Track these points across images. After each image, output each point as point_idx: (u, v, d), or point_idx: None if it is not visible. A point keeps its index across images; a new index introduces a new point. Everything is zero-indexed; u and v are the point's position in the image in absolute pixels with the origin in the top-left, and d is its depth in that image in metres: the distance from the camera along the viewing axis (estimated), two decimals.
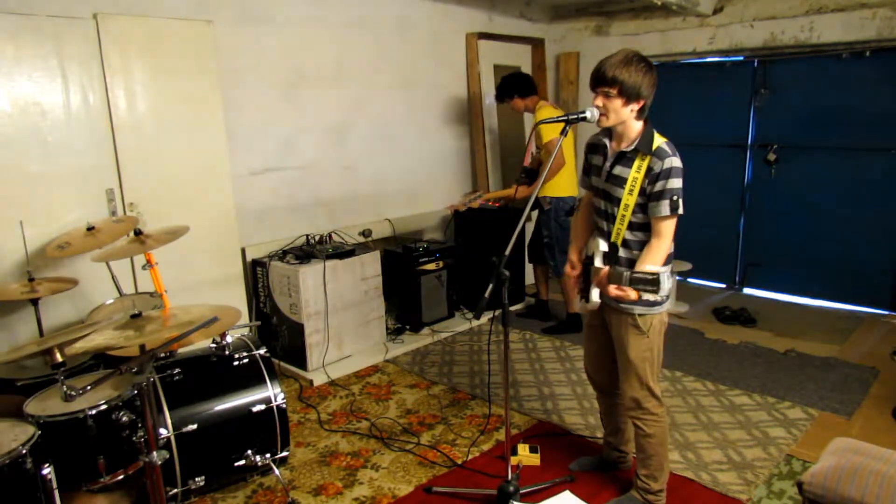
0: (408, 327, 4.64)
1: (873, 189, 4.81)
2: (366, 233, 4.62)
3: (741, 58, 5.25)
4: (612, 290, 2.15)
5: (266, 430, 2.74)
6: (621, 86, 2.19)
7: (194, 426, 2.55)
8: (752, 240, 5.50)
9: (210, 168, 3.73)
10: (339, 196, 4.63)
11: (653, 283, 2.01)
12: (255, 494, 2.77)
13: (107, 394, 2.28)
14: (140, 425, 2.15)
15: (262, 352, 2.87)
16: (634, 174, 2.25)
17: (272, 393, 2.76)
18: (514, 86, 4.50)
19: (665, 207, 2.20)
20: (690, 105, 5.60)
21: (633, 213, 2.28)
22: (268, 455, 2.74)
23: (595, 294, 2.38)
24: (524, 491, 2.63)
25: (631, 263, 2.32)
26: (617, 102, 2.22)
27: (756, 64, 5.23)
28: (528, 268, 5.20)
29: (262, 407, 2.72)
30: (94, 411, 2.20)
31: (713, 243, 5.59)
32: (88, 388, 1.91)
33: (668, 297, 2.38)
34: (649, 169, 2.23)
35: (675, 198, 2.20)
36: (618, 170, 2.31)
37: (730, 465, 2.90)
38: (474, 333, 4.67)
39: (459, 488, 2.75)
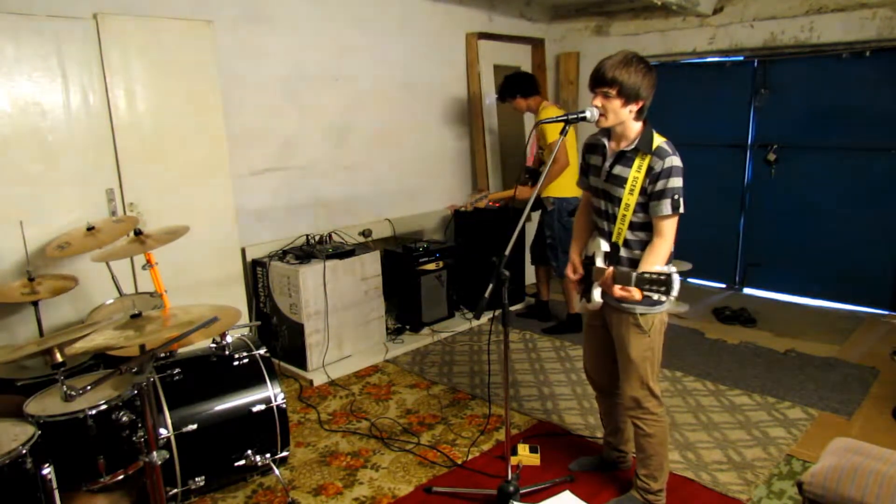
0: (408, 327, 4.64)
1: (873, 189, 4.81)
2: (366, 233, 4.62)
3: (741, 58, 5.25)
4: (617, 290, 2.15)
5: (266, 430, 2.74)
6: (621, 86, 2.19)
7: (194, 426, 2.55)
8: (752, 240, 5.50)
9: (210, 168, 3.73)
10: (339, 196, 4.63)
11: (664, 283, 1.99)
12: (255, 494, 2.77)
13: (107, 394, 2.28)
14: (140, 425, 2.15)
15: (262, 352, 2.87)
16: (635, 174, 2.25)
17: (272, 393, 2.76)
18: (516, 85, 4.49)
19: (666, 206, 2.20)
20: (690, 105, 5.59)
21: (634, 212, 2.28)
22: (268, 455, 2.74)
23: (597, 294, 2.38)
24: (524, 491, 2.63)
25: (632, 263, 2.32)
26: (616, 103, 2.22)
27: (756, 64, 5.23)
28: (529, 268, 5.20)
29: (262, 407, 2.72)
30: (94, 411, 2.20)
31: (713, 243, 5.59)
32: (88, 388, 1.91)
33: (675, 296, 2.38)
34: (650, 168, 2.23)
35: (676, 197, 2.20)
36: (618, 169, 2.31)
37: (730, 465, 2.90)
38: (474, 333, 4.67)
39: (459, 488, 2.76)
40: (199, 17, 3.64)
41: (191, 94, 3.60)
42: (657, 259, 2.23)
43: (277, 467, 2.77)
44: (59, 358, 2.32)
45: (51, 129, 3.14)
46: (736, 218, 5.55)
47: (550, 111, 4.38)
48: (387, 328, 4.50)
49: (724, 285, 5.70)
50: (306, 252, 4.03)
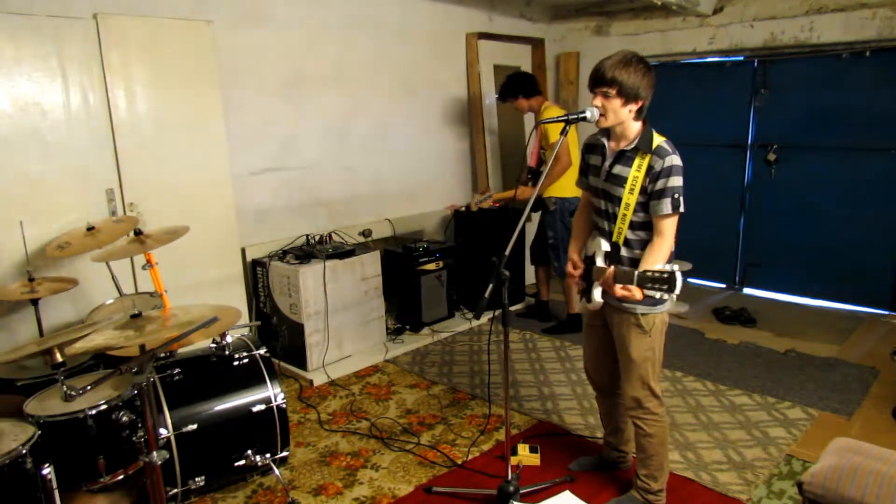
0: (408, 327, 4.64)
1: (873, 189, 4.81)
2: (366, 233, 4.62)
3: (741, 58, 5.25)
4: (618, 289, 2.15)
5: (266, 430, 2.74)
6: (620, 86, 2.19)
7: (194, 426, 2.55)
8: (752, 240, 5.50)
9: (210, 168, 3.73)
10: (339, 196, 4.63)
11: (667, 281, 1.99)
12: (255, 494, 2.77)
13: (107, 394, 2.28)
14: (140, 425, 2.15)
15: (262, 352, 2.87)
16: (635, 173, 2.25)
17: (272, 393, 2.76)
18: (518, 85, 4.48)
19: (666, 205, 2.20)
20: (690, 105, 5.59)
21: (635, 212, 2.28)
22: (268, 455, 2.74)
23: (597, 294, 2.38)
24: (524, 491, 2.63)
25: (633, 263, 2.32)
26: (616, 102, 2.22)
27: (756, 64, 5.23)
28: (529, 268, 5.20)
29: (262, 407, 2.72)
30: (94, 411, 2.20)
31: (713, 243, 5.59)
32: (88, 388, 1.91)
33: (678, 293, 2.37)
34: (650, 167, 2.23)
35: (676, 196, 2.20)
36: (617, 169, 2.31)
37: (730, 465, 2.90)
38: (474, 333, 4.67)
39: (459, 488, 2.75)
40: (199, 17, 3.64)
41: (191, 94, 3.60)
42: (657, 258, 2.23)
43: (277, 467, 2.77)
44: (59, 358, 2.32)
45: (51, 129, 3.15)
46: (736, 218, 5.55)
47: (553, 111, 4.37)
48: (387, 328, 4.50)
49: (724, 285, 5.70)
50: (306, 252, 4.03)
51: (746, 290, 5.58)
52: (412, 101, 5.02)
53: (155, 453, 2.01)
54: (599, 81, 2.23)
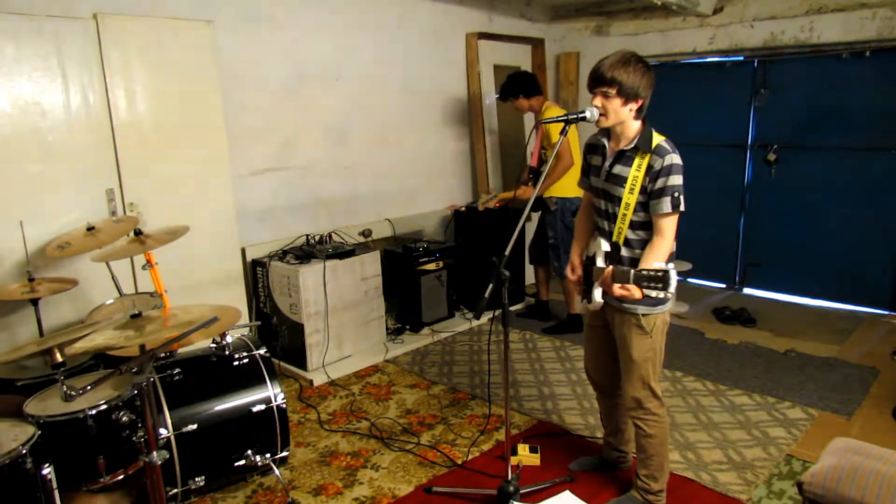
0: (408, 327, 4.64)
1: (873, 189, 4.81)
2: (366, 233, 4.62)
3: (741, 58, 5.25)
4: (617, 289, 2.15)
5: (266, 430, 2.74)
6: (620, 86, 2.20)
7: (194, 426, 2.55)
8: (752, 240, 5.50)
9: (210, 168, 3.73)
10: (339, 196, 4.63)
11: (661, 279, 1.99)
12: (255, 494, 2.77)
13: (107, 394, 2.28)
14: (140, 425, 2.15)
15: (262, 352, 2.87)
16: (635, 172, 2.25)
17: (272, 393, 2.76)
18: (519, 85, 4.48)
19: (666, 204, 2.20)
20: (690, 105, 5.60)
21: (635, 211, 2.28)
22: (268, 455, 2.74)
23: (597, 294, 2.38)
24: (524, 491, 2.63)
25: (633, 262, 2.32)
26: (616, 102, 2.23)
27: (756, 64, 5.23)
28: (529, 268, 5.20)
29: (262, 407, 2.72)
30: (94, 411, 2.20)
31: (713, 243, 5.59)
32: (88, 388, 1.91)
33: (673, 295, 2.37)
34: (650, 166, 2.23)
35: (675, 194, 2.20)
36: (617, 169, 2.31)
37: (730, 465, 2.90)
38: (474, 333, 4.67)
39: (459, 488, 2.75)
40: (199, 17, 3.64)
41: (191, 94, 3.60)
42: (657, 258, 2.22)
43: (277, 467, 2.77)
44: (59, 358, 2.31)
45: (51, 129, 3.14)
46: (736, 218, 5.55)
47: (553, 111, 4.38)
48: (387, 328, 4.50)
49: (724, 285, 5.70)
50: (306, 252, 4.03)
51: (746, 290, 5.58)
52: (412, 101, 5.01)
53: (155, 453, 2.01)
54: (599, 81, 2.23)
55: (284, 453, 2.81)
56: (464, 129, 5.48)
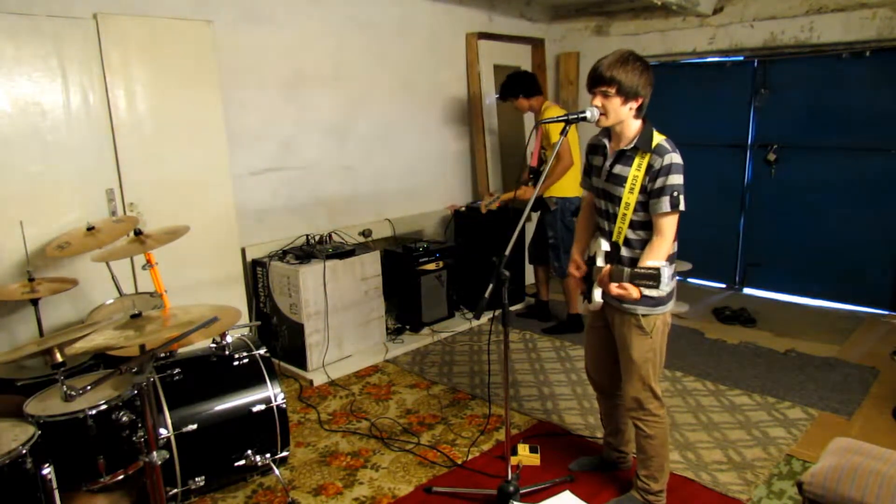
0: (408, 327, 4.64)
1: (873, 189, 4.81)
2: (366, 233, 4.62)
3: (741, 58, 5.25)
4: (614, 288, 2.15)
5: (266, 430, 2.74)
6: (619, 85, 2.20)
7: (194, 426, 2.55)
8: (752, 240, 5.50)
9: (210, 168, 3.73)
10: (339, 196, 4.63)
11: (653, 277, 1.99)
12: (255, 494, 2.77)
13: (107, 394, 2.28)
14: (140, 425, 2.15)
15: (262, 352, 2.87)
16: (635, 172, 2.25)
17: (272, 393, 2.76)
18: (519, 85, 4.48)
19: (665, 204, 2.20)
20: (690, 105, 5.60)
21: (635, 211, 2.28)
22: (268, 455, 2.74)
23: (597, 294, 2.38)
24: (524, 491, 2.63)
25: (633, 262, 2.31)
26: (615, 101, 2.23)
27: (756, 64, 5.23)
28: (529, 268, 5.20)
29: (262, 407, 2.72)
30: (94, 411, 2.20)
31: (713, 243, 5.59)
32: (88, 388, 1.91)
33: (672, 296, 2.38)
34: (650, 166, 2.23)
35: (675, 194, 2.20)
36: (618, 169, 2.31)
37: (730, 465, 2.90)
38: (474, 333, 4.67)
39: (459, 488, 2.75)
40: (199, 17, 3.64)
41: (191, 94, 3.60)
42: (656, 257, 2.22)
43: (277, 467, 2.77)
44: (59, 358, 2.32)
45: (51, 129, 3.14)
46: (736, 218, 5.55)
47: (553, 111, 4.38)
48: (387, 328, 4.50)
49: (724, 285, 5.70)
50: (306, 252, 4.03)
51: (746, 290, 5.58)
52: (412, 101, 5.01)
53: (155, 453, 2.00)
54: (598, 81, 2.23)
55: (284, 453, 2.81)
56: (464, 128, 5.48)
